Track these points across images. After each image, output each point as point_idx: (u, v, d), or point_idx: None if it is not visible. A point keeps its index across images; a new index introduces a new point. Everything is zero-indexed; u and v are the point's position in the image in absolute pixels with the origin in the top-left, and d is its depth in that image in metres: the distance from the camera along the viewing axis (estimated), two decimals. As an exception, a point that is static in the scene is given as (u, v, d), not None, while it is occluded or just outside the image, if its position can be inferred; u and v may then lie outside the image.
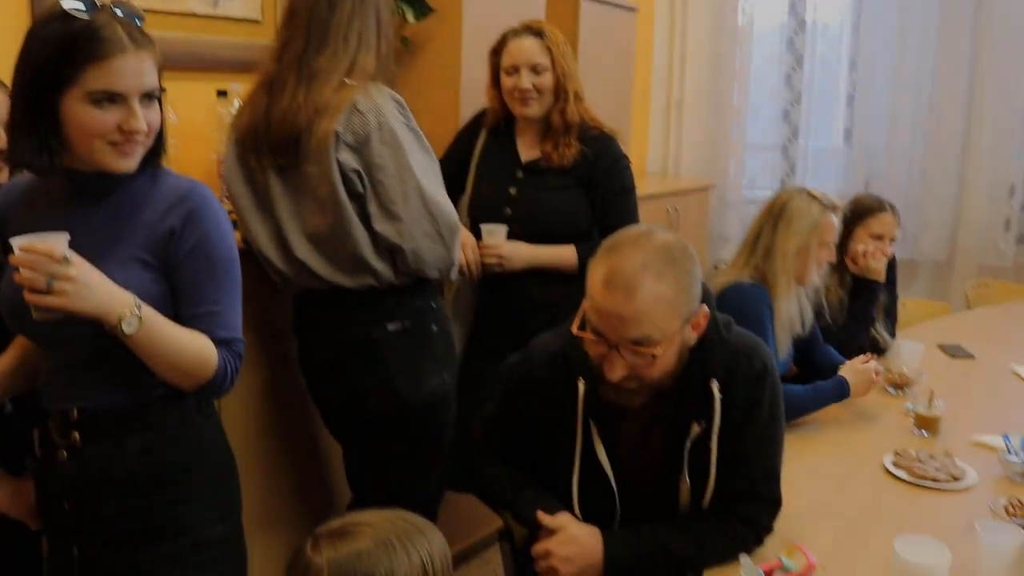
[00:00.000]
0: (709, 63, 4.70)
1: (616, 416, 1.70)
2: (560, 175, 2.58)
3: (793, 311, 2.52)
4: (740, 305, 2.38)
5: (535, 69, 2.52)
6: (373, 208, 2.04)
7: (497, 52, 2.59)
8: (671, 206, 4.06)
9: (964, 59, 4.82)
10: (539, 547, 1.73)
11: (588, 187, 2.58)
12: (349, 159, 2.00)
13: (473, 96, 2.84)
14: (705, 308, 1.63)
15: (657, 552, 1.67)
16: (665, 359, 1.58)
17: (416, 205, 2.04)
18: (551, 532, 1.72)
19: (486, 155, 2.69)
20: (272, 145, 2.04)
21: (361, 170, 2.02)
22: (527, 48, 2.53)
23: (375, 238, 2.06)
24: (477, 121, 2.75)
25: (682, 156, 4.76)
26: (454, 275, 2.19)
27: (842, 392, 2.44)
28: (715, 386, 1.65)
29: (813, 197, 2.51)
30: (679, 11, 4.70)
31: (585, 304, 1.59)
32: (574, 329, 1.62)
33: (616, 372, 1.57)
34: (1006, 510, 1.87)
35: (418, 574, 1.20)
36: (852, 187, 4.69)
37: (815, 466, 2.19)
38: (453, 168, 2.74)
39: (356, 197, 2.04)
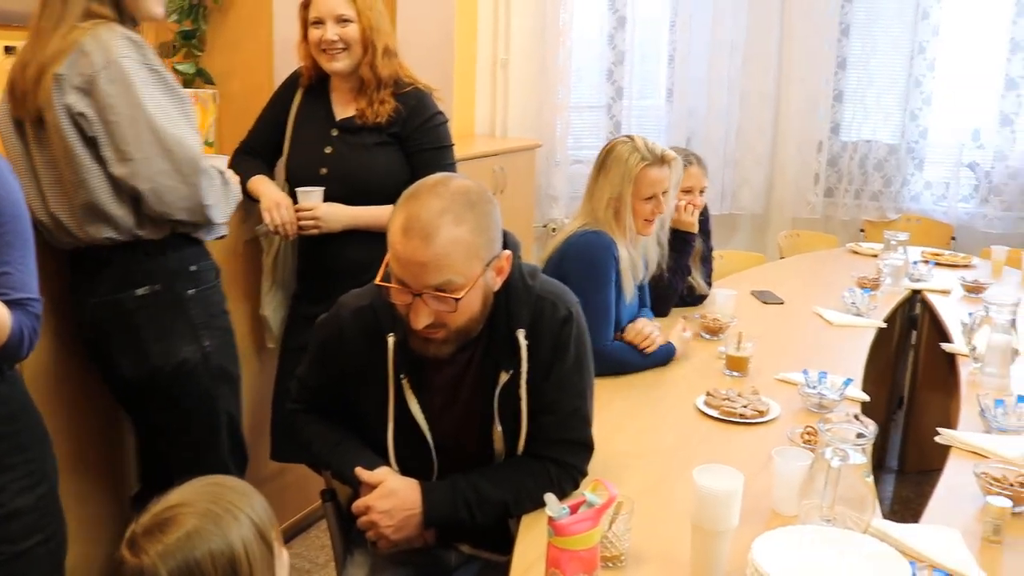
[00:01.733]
0: (534, 23, 4.74)
1: (427, 368, 1.71)
2: (375, 132, 2.54)
3: (626, 257, 2.57)
4: (586, 253, 2.47)
5: (340, 20, 2.48)
6: (108, 152, 1.96)
7: (306, 6, 2.53)
8: (498, 166, 4.10)
9: (774, 23, 5.06)
10: (359, 503, 1.73)
11: (403, 144, 2.56)
12: (76, 101, 1.92)
13: (286, 54, 2.77)
14: (507, 252, 1.65)
15: (474, 500, 1.69)
16: (469, 304, 1.59)
17: (149, 143, 1.95)
18: (371, 488, 1.72)
19: (301, 115, 2.63)
20: (17, 100, 1.98)
21: (91, 112, 1.93)
22: (332, 0, 2.48)
23: (115, 184, 1.98)
24: (294, 81, 2.68)
25: (509, 116, 4.80)
26: (216, 217, 2.09)
27: (670, 358, 2.58)
28: (521, 335, 1.67)
29: (635, 149, 2.54)
30: (502, -28, 4.73)
31: (388, 255, 1.58)
32: (378, 280, 1.61)
33: (421, 320, 1.57)
34: (801, 437, 2.00)
35: (253, 534, 1.17)
36: (675, 145, 4.86)
37: (633, 409, 2.28)
38: (269, 130, 2.67)
39: (91, 142, 1.95)
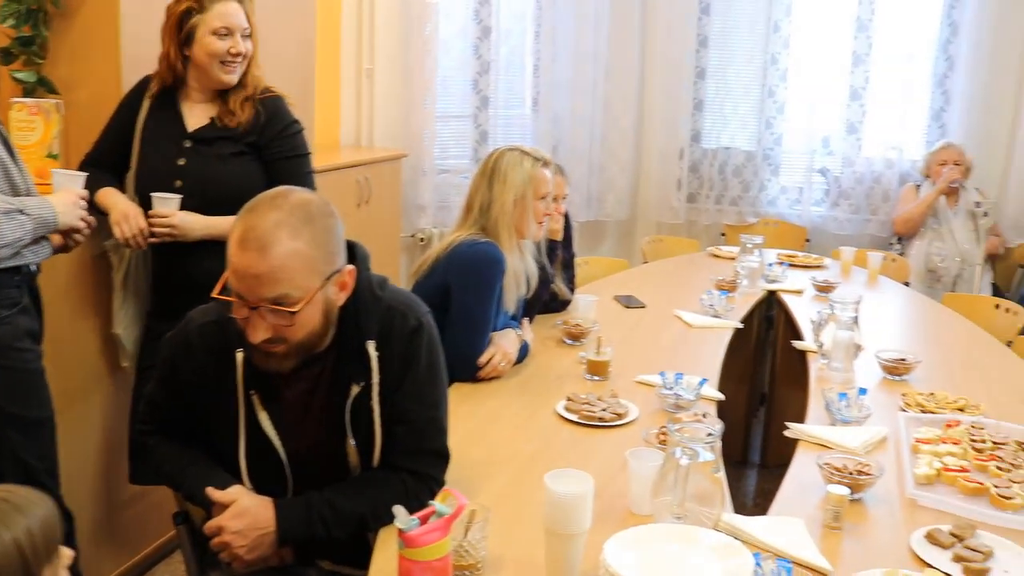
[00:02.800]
0: (399, 33, 4.72)
1: (278, 383, 1.68)
2: (231, 142, 2.51)
3: (518, 266, 2.61)
4: (473, 264, 2.50)
5: (245, 34, 2.48)
6: None
7: (187, 13, 2.44)
8: (362, 176, 4.06)
9: (634, 33, 5.18)
10: (211, 524, 1.69)
11: (260, 152, 2.53)
12: None
13: (135, 61, 2.67)
14: (350, 268, 1.64)
15: (329, 516, 1.67)
16: (307, 318, 1.57)
17: None
18: (224, 507, 1.68)
19: (149, 126, 2.55)
20: None
21: None
22: (235, 11, 2.47)
23: None
24: (140, 90, 2.59)
25: (375, 126, 4.77)
26: None
27: (527, 353, 2.66)
28: (371, 346, 1.66)
29: (524, 153, 2.63)
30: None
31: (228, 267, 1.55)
32: (215, 293, 1.57)
33: (258, 334, 1.55)
34: (656, 438, 2.05)
35: (13, 554, 1.11)
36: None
37: (494, 416, 2.29)
38: (117, 141, 2.58)
39: None
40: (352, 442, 1.70)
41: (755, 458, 4.13)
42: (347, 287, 1.64)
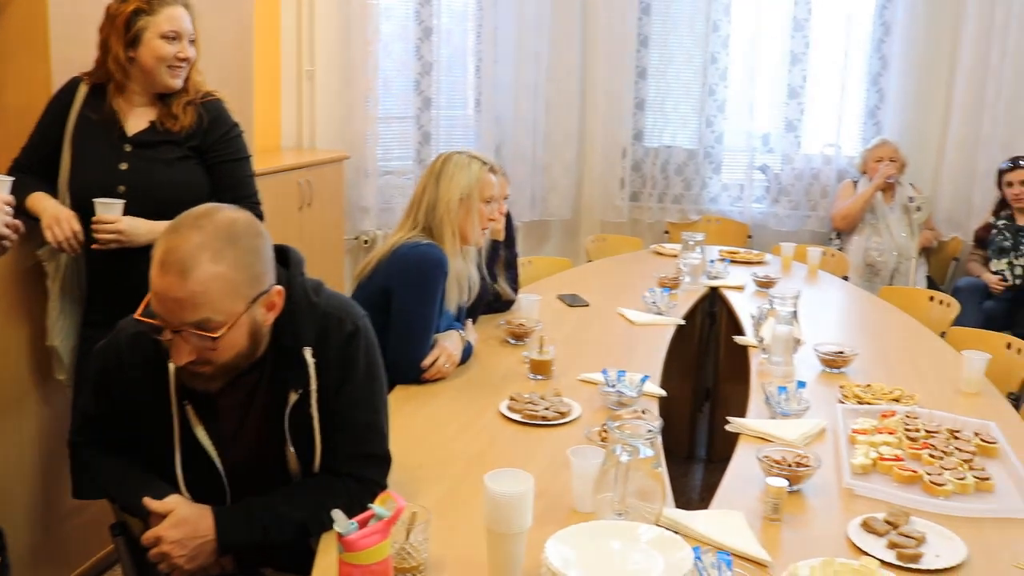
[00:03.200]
0: (339, 34, 4.69)
1: (213, 393, 1.65)
2: (174, 146, 2.48)
3: (460, 268, 2.61)
4: (416, 266, 2.49)
5: (190, 38, 2.47)
6: None
7: (142, 13, 2.40)
8: (304, 179, 4.02)
9: (575, 33, 5.21)
10: (148, 534, 1.66)
11: (203, 156, 2.51)
12: None
13: (65, 63, 2.61)
14: (278, 288, 1.61)
15: (271, 522, 1.65)
16: (232, 342, 1.54)
17: None
18: (162, 517, 1.65)
19: (82, 129, 2.48)
20: None
21: None
22: (182, 15, 2.45)
23: None
24: (70, 92, 2.52)
25: (317, 129, 4.74)
26: None
27: (471, 354, 2.68)
28: (308, 353, 1.65)
29: (472, 156, 2.67)
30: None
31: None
32: (137, 314, 1.53)
33: (182, 356, 1.52)
34: (599, 435, 2.06)
35: None
36: (484, 153, 4.92)
37: (438, 417, 2.28)
38: (47, 145, 2.51)
39: None
40: (292, 449, 1.68)
41: (701, 453, 4.18)
42: (276, 307, 1.61)
